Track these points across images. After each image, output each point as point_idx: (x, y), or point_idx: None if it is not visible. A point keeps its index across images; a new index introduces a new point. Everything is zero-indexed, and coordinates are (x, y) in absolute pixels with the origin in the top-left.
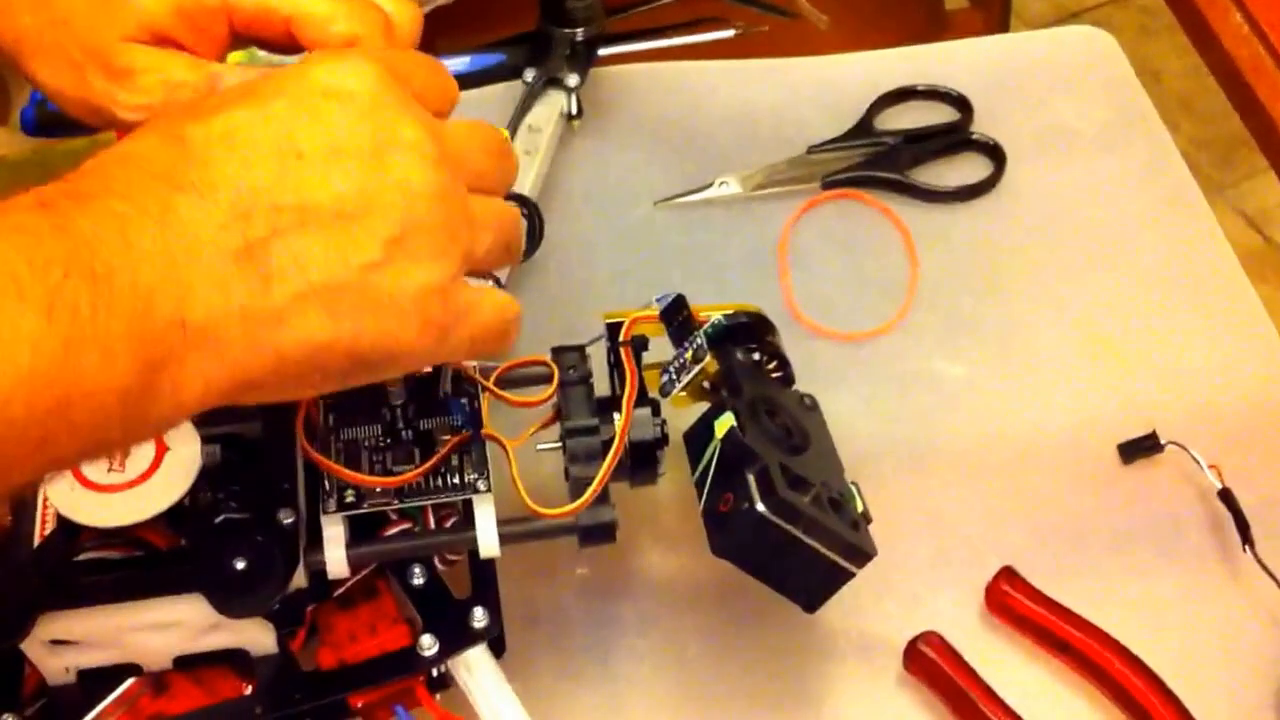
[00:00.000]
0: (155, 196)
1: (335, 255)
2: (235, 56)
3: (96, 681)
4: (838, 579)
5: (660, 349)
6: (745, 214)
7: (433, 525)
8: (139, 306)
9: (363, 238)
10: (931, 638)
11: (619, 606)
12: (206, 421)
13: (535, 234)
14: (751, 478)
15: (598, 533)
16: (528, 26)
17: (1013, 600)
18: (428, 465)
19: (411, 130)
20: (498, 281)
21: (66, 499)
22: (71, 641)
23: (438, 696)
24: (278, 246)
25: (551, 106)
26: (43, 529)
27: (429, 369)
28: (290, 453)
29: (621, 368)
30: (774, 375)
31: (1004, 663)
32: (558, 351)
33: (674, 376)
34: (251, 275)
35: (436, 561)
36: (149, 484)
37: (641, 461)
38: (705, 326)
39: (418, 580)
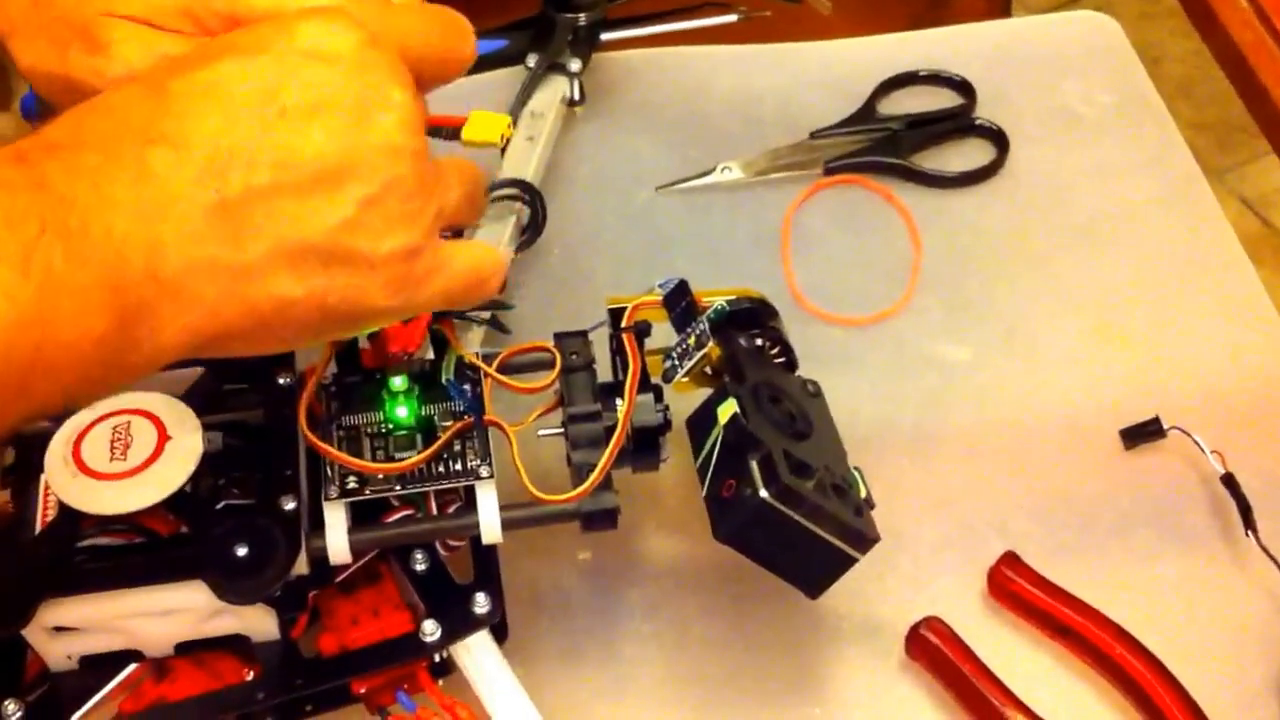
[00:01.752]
0: (130, 149)
1: (310, 214)
2: None
3: (98, 667)
4: (841, 565)
5: (663, 334)
6: (748, 199)
7: (435, 511)
8: (112, 258)
9: (339, 197)
10: (934, 623)
11: (622, 590)
12: (209, 409)
13: (538, 220)
14: (755, 464)
15: (600, 518)
16: (530, 11)
17: (1015, 585)
18: (430, 451)
19: (399, 92)
20: None
21: (68, 487)
22: (73, 628)
23: (440, 682)
24: (252, 203)
25: (554, 92)
26: (44, 516)
27: (431, 355)
28: (292, 439)
29: (624, 353)
30: (777, 361)
31: (1006, 647)
32: (560, 337)
33: (677, 362)
34: (224, 230)
35: (439, 547)
36: (150, 471)
37: (644, 447)
38: (708, 312)
39: (420, 566)
